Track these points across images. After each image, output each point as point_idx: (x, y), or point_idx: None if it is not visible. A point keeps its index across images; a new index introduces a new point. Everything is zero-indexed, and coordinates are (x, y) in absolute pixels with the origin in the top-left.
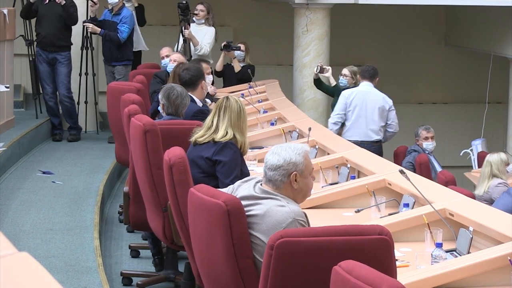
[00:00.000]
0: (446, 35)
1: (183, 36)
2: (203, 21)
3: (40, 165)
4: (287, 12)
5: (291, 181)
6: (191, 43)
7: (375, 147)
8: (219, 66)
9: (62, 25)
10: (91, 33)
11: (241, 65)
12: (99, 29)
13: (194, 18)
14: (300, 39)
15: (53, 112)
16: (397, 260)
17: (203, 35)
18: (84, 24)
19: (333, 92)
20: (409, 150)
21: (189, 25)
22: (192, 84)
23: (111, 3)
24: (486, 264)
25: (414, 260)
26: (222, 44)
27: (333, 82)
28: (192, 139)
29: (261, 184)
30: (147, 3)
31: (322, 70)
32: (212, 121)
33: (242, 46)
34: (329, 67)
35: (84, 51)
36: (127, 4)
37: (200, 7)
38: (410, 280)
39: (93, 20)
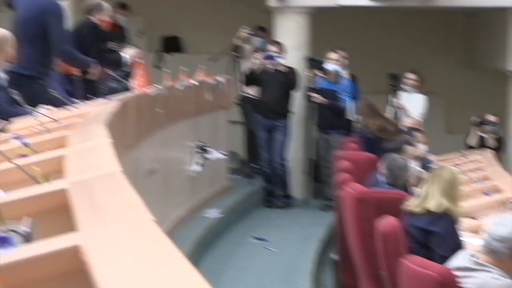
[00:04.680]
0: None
1: (392, 105)
2: (415, 89)
3: (254, 231)
4: (501, 80)
5: None
6: (403, 112)
7: None
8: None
9: (284, 92)
10: (316, 103)
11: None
12: (325, 99)
13: (405, 87)
14: None
15: (268, 179)
16: None
17: (414, 104)
18: (310, 93)
19: None
20: None
21: (399, 93)
22: None
23: (332, 71)
24: None
25: None
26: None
27: None
28: (406, 208)
29: (475, 256)
30: (362, 71)
31: None
32: (426, 190)
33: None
34: None
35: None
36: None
37: (411, 75)
38: None
39: (313, 89)
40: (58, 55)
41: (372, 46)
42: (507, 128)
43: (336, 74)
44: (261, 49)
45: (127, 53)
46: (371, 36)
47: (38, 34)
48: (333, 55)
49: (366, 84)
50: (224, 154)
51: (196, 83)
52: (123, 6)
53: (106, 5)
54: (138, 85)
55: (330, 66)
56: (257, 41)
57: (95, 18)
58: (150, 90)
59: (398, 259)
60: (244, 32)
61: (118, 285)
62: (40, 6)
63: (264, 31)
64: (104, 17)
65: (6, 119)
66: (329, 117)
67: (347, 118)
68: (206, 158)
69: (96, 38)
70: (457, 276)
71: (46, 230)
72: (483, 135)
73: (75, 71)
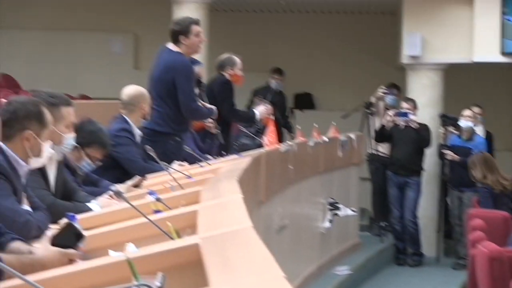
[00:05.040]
0: None
1: None
2: None
3: None
4: None
5: None
6: None
7: None
8: None
9: (415, 149)
10: (449, 160)
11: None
12: (458, 157)
13: None
14: None
15: (399, 236)
16: None
17: None
18: (443, 151)
19: None
20: None
21: None
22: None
23: (466, 128)
24: None
25: None
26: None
27: None
28: None
29: None
30: (497, 128)
31: None
32: None
33: None
34: None
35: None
36: None
37: None
38: None
39: (445, 146)
40: (185, 114)
41: (506, 103)
42: None
43: (470, 131)
44: (394, 106)
45: (259, 110)
46: (505, 92)
47: (168, 92)
48: (467, 112)
49: (500, 141)
50: (354, 211)
51: (326, 139)
52: (278, 71)
53: (237, 59)
54: (269, 141)
55: (463, 123)
56: (390, 98)
57: (227, 74)
58: (280, 146)
59: None
60: (380, 91)
61: None
62: (169, 64)
63: (397, 88)
64: (236, 72)
65: (141, 175)
66: (461, 175)
67: None
68: (336, 215)
69: (228, 94)
70: None
71: (178, 285)
72: None
73: (213, 129)
